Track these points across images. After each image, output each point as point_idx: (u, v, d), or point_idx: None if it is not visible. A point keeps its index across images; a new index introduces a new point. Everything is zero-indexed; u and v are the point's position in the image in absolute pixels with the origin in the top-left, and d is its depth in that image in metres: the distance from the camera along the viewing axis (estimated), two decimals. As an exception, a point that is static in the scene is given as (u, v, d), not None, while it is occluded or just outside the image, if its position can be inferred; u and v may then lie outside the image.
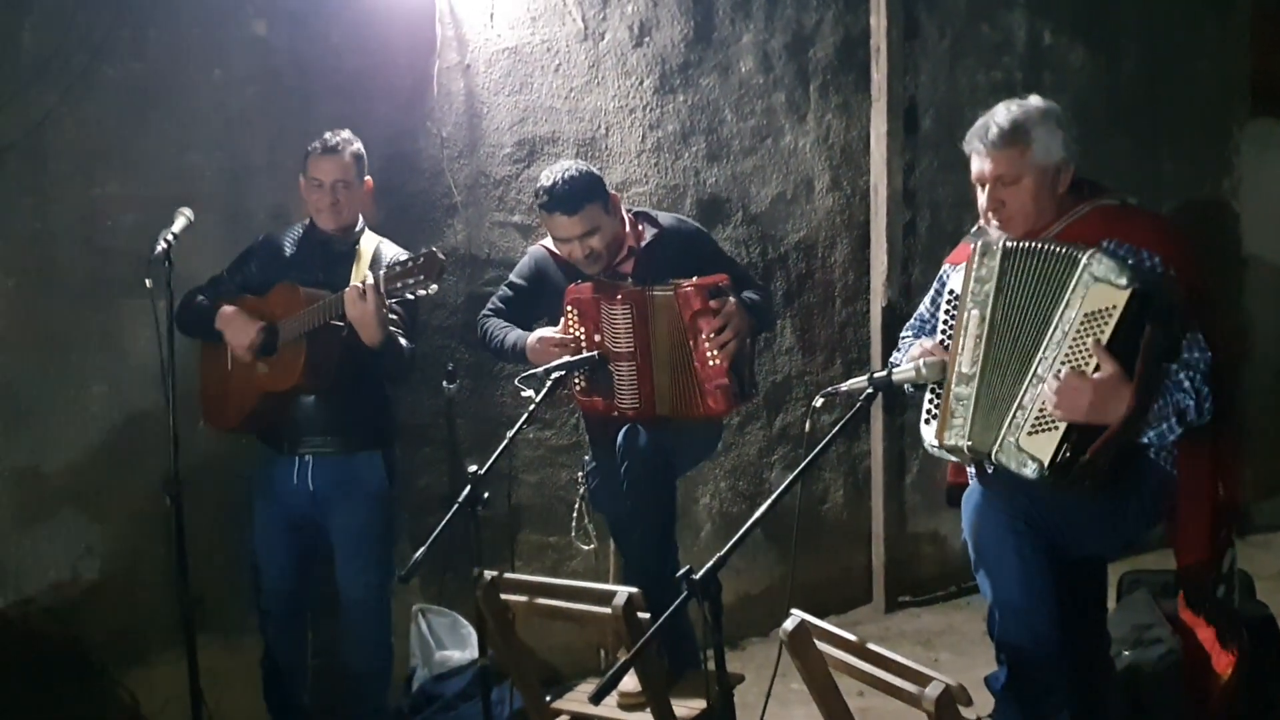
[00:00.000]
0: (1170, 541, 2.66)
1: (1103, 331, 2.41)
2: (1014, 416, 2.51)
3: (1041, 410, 2.47)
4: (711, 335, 3.11)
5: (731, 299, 3.15)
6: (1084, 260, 2.45)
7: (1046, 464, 2.45)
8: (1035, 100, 2.72)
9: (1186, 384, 2.44)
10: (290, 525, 3.27)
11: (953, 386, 2.63)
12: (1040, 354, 2.50)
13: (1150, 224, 2.66)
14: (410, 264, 2.96)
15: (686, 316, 3.14)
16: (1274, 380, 5.13)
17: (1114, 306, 2.40)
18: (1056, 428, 2.45)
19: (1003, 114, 2.68)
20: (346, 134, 3.26)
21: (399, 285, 2.97)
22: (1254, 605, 3.49)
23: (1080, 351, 2.44)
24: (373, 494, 3.28)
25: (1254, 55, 5.26)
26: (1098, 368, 2.41)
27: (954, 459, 2.77)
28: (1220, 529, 2.64)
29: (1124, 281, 2.39)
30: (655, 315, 3.19)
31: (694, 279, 3.15)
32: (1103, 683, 2.83)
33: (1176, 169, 5.16)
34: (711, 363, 3.13)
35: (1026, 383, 2.51)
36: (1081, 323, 2.44)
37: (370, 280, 3.00)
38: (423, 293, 2.97)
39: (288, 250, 3.30)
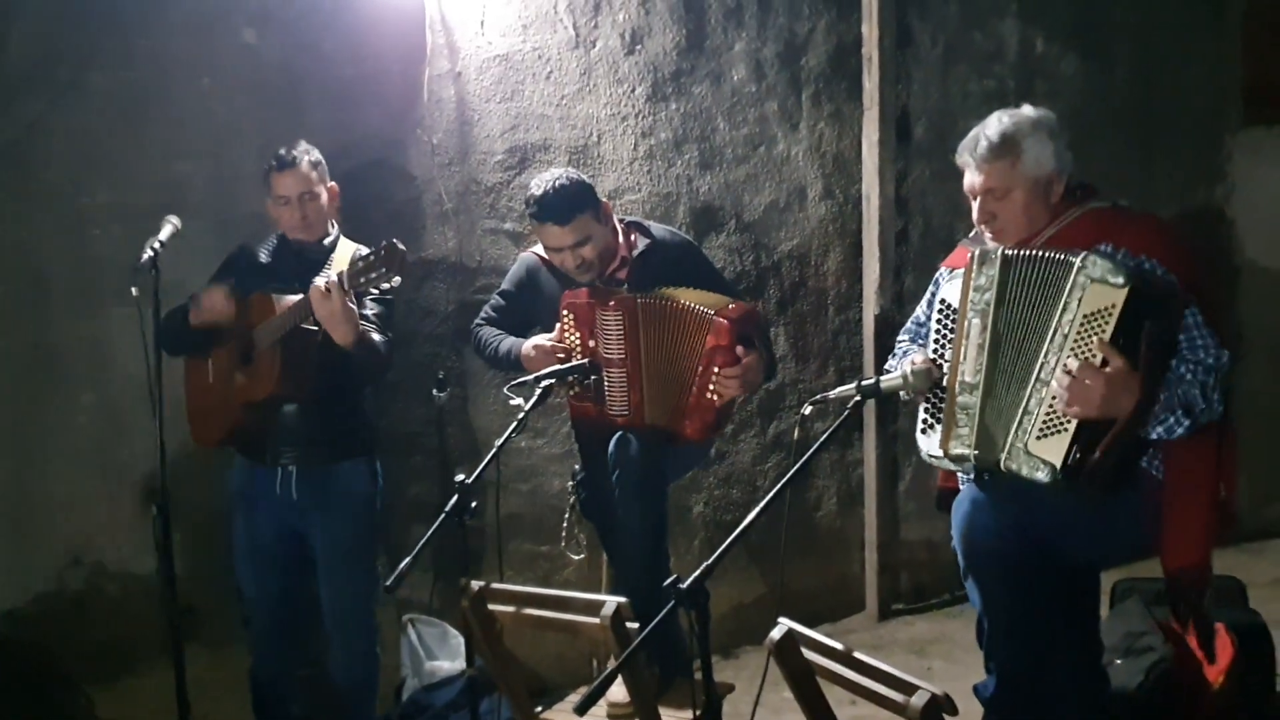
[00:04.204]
0: (1155, 547, 2.63)
1: (1105, 330, 2.41)
2: (1020, 422, 2.50)
3: (1050, 412, 2.47)
4: (721, 373, 3.10)
5: (755, 354, 3.13)
6: (1078, 263, 2.45)
7: (1059, 466, 2.44)
8: (1027, 110, 2.72)
9: (1190, 377, 2.44)
10: (273, 538, 3.25)
11: (956, 396, 2.61)
12: (1042, 358, 2.50)
13: (1144, 226, 2.65)
14: (372, 257, 2.92)
15: (708, 342, 3.11)
16: (1268, 386, 5.13)
17: (1113, 305, 2.40)
18: (1066, 429, 2.44)
19: (993, 126, 2.69)
20: (302, 144, 3.22)
21: (362, 280, 2.93)
22: (1246, 613, 3.48)
23: (1084, 350, 2.43)
24: (357, 502, 3.26)
25: (1246, 63, 5.25)
26: (1104, 363, 2.40)
27: (956, 468, 2.75)
28: (1214, 532, 2.62)
29: (1120, 280, 2.40)
30: (647, 323, 3.18)
31: (732, 306, 3.12)
32: (1095, 692, 2.81)
33: (1169, 176, 5.15)
34: (709, 396, 3.13)
35: (1030, 388, 2.51)
36: (1083, 323, 2.44)
37: (334, 278, 2.96)
38: (386, 286, 2.92)
39: (264, 262, 3.27)
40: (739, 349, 3.10)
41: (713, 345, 3.10)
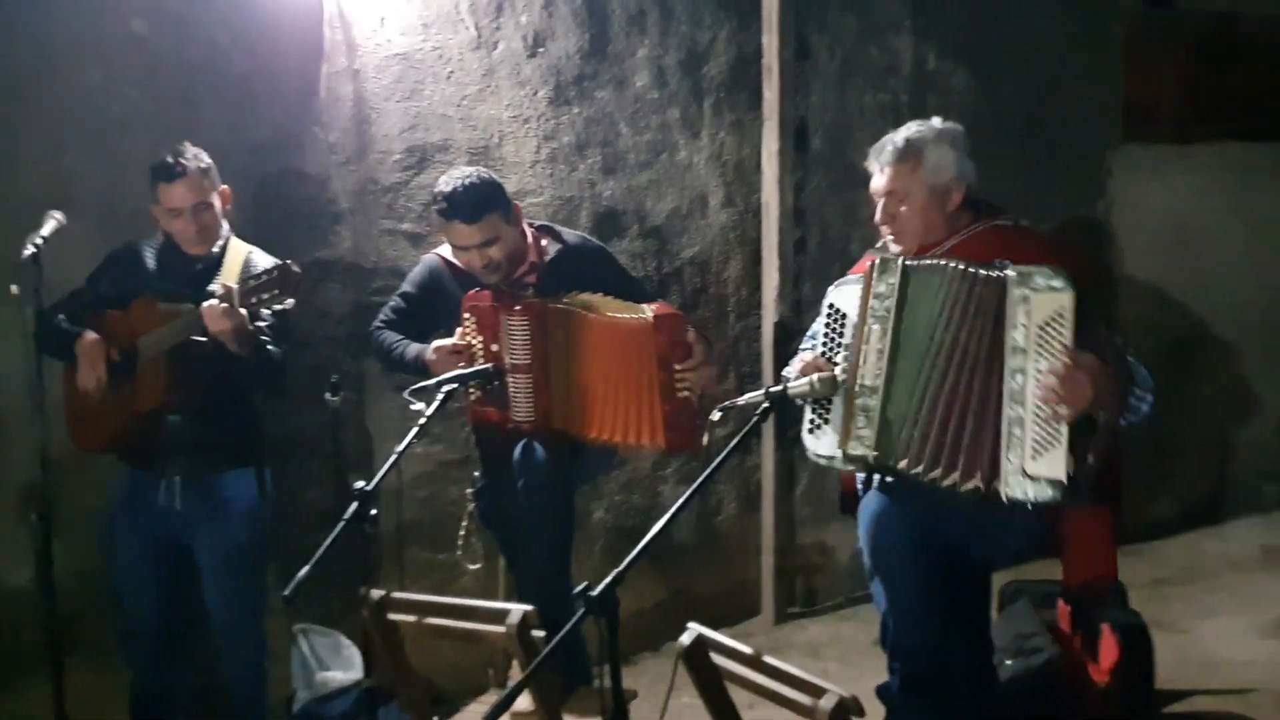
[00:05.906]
0: (1057, 555, 2.71)
1: (1064, 333, 2.45)
2: (1009, 445, 2.50)
3: (1038, 428, 2.47)
4: (683, 368, 3.01)
5: (699, 336, 3.09)
6: (1013, 275, 2.50)
7: (1065, 482, 2.44)
8: (936, 122, 2.84)
9: (1132, 359, 2.56)
10: (156, 549, 3.14)
11: (855, 398, 2.66)
12: (1006, 380, 2.51)
13: (1041, 245, 2.74)
14: (265, 278, 2.87)
15: (658, 345, 3.01)
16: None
17: (1063, 309, 2.45)
18: (1059, 442, 2.44)
19: (902, 133, 2.81)
20: (188, 150, 3.05)
21: (254, 300, 2.88)
22: (1127, 614, 3.61)
23: (1050, 356, 2.46)
24: (244, 512, 3.17)
25: (1125, 82, 5.47)
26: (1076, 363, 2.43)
27: (852, 469, 2.80)
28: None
29: (1061, 284, 2.46)
30: (557, 330, 3.14)
31: (656, 304, 3.07)
32: (986, 692, 2.88)
33: (1054, 190, 5.30)
34: (682, 395, 3.03)
35: (1003, 410, 2.51)
36: (1039, 332, 2.48)
37: (226, 290, 2.88)
38: (279, 307, 2.89)
39: (149, 263, 3.14)
40: (689, 337, 3.03)
41: (664, 345, 3.01)
